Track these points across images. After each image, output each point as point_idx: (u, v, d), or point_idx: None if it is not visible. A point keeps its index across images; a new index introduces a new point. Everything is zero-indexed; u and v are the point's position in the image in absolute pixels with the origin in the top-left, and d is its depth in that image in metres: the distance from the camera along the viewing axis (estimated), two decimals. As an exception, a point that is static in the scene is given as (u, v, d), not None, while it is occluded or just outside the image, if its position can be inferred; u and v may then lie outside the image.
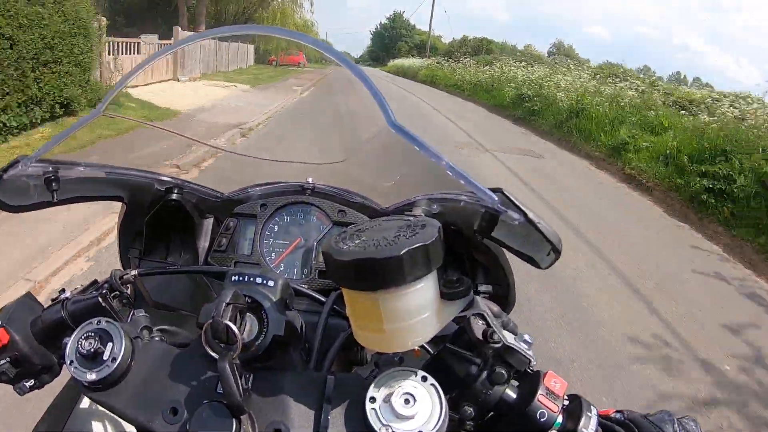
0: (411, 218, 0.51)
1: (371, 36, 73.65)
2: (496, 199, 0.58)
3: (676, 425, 0.46)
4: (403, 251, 0.42)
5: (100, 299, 0.56)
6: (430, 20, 41.28)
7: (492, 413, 0.49)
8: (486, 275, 0.83)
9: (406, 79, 29.24)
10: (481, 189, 0.57)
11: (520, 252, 0.62)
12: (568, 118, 9.73)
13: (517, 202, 0.57)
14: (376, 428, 0.43)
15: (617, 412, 0.49)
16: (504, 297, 0.82)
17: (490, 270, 0.82)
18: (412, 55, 48.01)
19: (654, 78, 14.91)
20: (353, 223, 0.80)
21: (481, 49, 30.73)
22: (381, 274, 0.42)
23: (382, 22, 68.62)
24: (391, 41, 64.49)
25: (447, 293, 0.48)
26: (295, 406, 0.47)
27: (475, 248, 0.79)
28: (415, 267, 0.43)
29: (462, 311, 0.49)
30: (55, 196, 0.71)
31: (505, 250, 0.67)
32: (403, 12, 68.13)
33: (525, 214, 0.56)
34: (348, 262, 0.43)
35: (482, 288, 0.83)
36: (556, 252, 0.57)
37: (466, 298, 0.49)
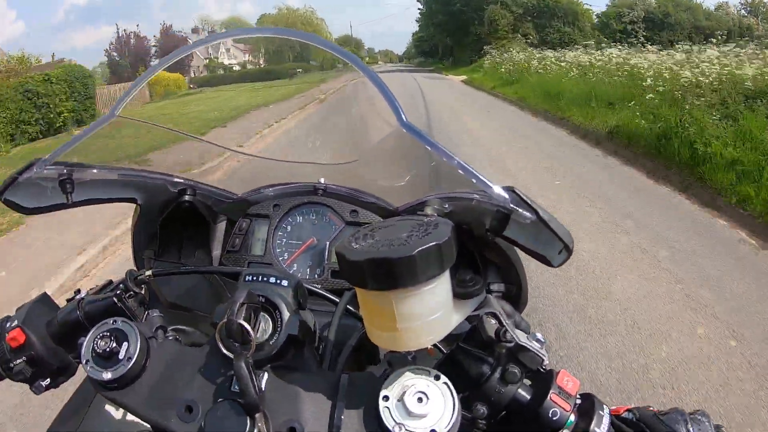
0: (424, 218, 0.51)
1: (420, 6, 35.78)
2: (508, 197, 0.58)
3: (688, 424, 0.46)
4: (416, 251, 0.42)
5: (115, 299, 0.57)
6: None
7: (504, 412, 0.49)
8: (498, 274, 0.83)
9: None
10: (493, 187, 0.57)
11: (531, 250, 0.62)
12: None
13: (528, 201, 0.57)
14: (389, 427, 0.43)
15: (628, 410, 0.49)
16: (516, 296, 0.82)
17: (502, 269, 0.82)
18: (532, 42, 21.63)
19: None
20: (366, 223, 0.81)
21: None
22: (394, 274, 0.42)
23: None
24: (472, 9, 28.12)
25: (460, 292, 0.48)
26: (309, 405, 0.47)
27: (487, 247, 0.80)
28: (429, 266, 0.43)
29: (475, 310, 0.50)
30: (69, 198, 0.72)
31: (517, 248, 0.67)
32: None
33: (537, 213, 0.56)
34: (361, 261, 0.43)
35: (494, 287, 0.83)
36: (568, 250, 0.57)
37: (478, 297, 0.49)
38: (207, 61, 45.50)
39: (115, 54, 36.86)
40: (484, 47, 23.43)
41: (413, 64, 47.50)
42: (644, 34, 18.73)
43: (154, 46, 38.12)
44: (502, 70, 16.51)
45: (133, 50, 36.55)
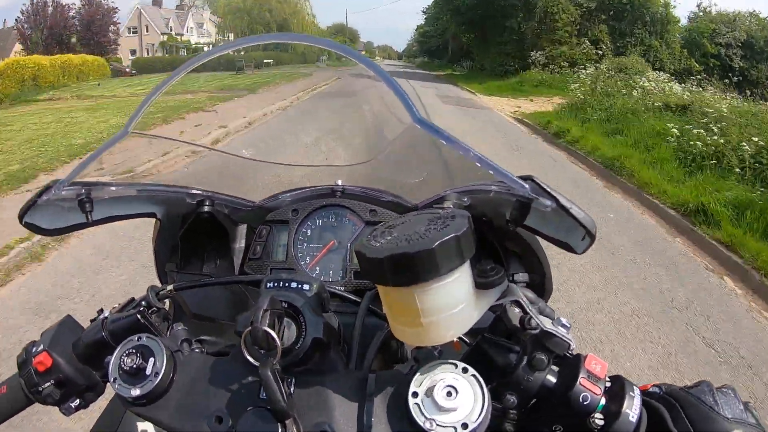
0: (440, 211, 0.51)
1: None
2: (527, 187, 0.57)
3: (715, 395, 0.45)
4: (436, 244, 0.42)
5: (138, 316, 0.57)
6: None
7: (534, 400, 0.49)
8: (521, 264, 0.83)
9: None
10: (511, 178, 0.56)
11: (554, 238, 0.62)
12: None
13: (548, 189, 0.56)
14: (419, 422, 0.43)
15: (655, 386, 0.49)
16: (540, 285, 0.81)
17: (525, 259, 0.82)
18: (605, 53, 14.97)
19: None
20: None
21: None
22: (415, 269, 0.42)
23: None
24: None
25: (481, 282, 0.47)
26: (339, 407, 0.47)
27: (508, 238, 0.79)
28: (449, 258, 0.43)
29: (498, 300, 0.49)
30: (89, 217, 0.73)
31: (539, 237, 0.67)
32: None
33: (557, 200, 0.55)
34: (381, 259, 0.43)
35: (518, 277, 0.82)
36: (591, 236, 0.56)
37: (500, 286, 0.49)
38: (165, 38, 40.49)
39: (26, 26, 29.12)
40: (532, 53, 16.03)
41: (414, 64, 37.53)
42: (740, 64, 13.38)
43: (73, 17, 31.19)
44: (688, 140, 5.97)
45: (50, 21, 29.25)
